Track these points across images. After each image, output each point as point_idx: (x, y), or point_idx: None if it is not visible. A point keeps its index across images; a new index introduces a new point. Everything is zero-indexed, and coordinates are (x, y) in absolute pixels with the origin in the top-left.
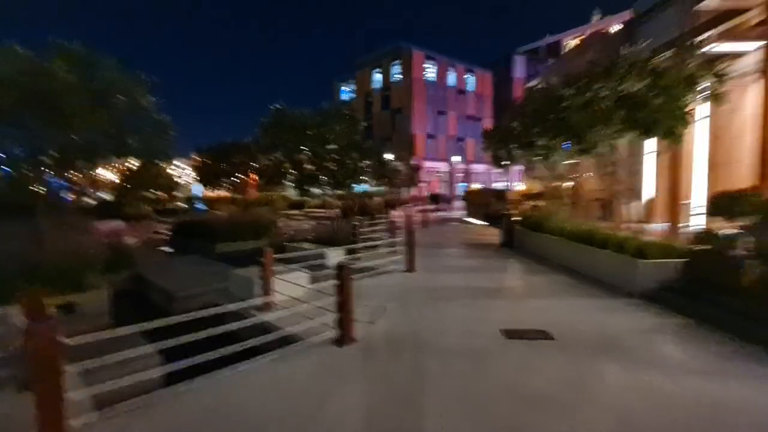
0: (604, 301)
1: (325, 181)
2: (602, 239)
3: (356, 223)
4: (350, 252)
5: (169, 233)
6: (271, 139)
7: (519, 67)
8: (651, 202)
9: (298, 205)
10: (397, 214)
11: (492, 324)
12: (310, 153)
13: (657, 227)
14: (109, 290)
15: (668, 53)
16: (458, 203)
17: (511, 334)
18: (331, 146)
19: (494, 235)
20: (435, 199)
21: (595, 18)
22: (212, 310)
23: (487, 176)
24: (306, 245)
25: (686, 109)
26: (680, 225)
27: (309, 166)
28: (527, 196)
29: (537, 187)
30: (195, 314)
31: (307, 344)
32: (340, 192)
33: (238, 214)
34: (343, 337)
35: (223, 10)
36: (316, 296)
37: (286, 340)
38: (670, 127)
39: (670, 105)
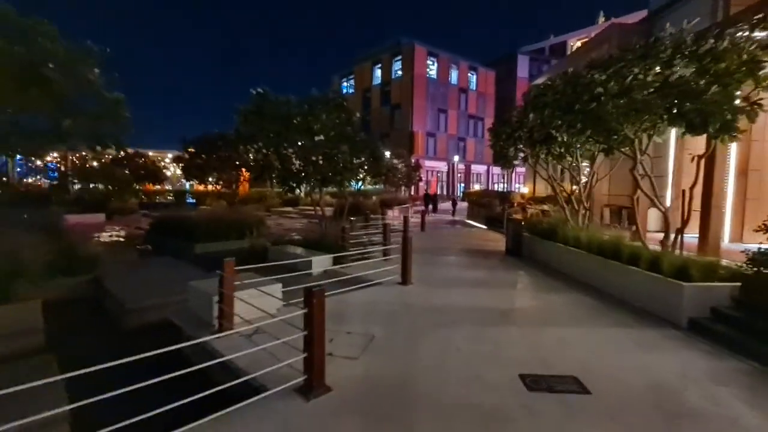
0: (641, 333)
1: (312, 179)
2: (631, 254)
3: (346, 225)
4: (339, 259)
5: (148, 230)
6: (251, 129)
7: (522, 67)
8: (674, 210)
9: (292, 202)
10: (393, 215)
11: (507, 365)
12: (294, 146)
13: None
14: (61, 298)
15: (716, 36)
16: (459, 205)
17: (534, 383)
18: (318, 138)
19: (498, 241)
20: (430, 200)
21: (601, 20)
22: (139, 357)
23: (487, 177)
24: (291, 248)
25: (753, 100)
26: (711, 238)
27: (296, 162)
28: (532, 199)
29: (543, 190)
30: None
31: (266, 397)
32: (333, 190)
33: (224, 211)
34: (311, 385)
35: (224, 9)
36: (288, 321)
37: (239, 390)
38: (727, 121)
39: (727, 94)
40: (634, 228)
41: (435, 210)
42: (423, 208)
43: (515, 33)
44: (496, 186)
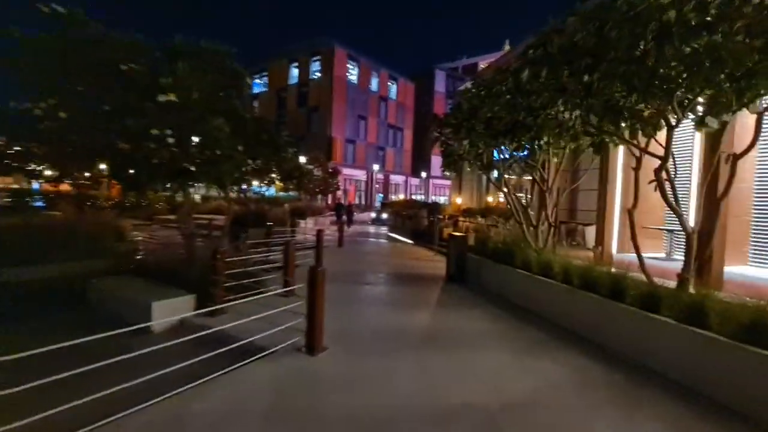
0: None
1: (168, 171)
2: (646, 294)
3: (240, 242)
4: (205, 300)
5: None
6: (39, 82)
7: (440, 82)
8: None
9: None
10: (307, 227)
11: None
12: (130, 113)
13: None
14: None
15: None
16: (381, 216)
17: None
18: (166, 98)
19: (430, 260)
20: (344, 210)
21: (507, 48)
22: None
23: (405, 188)
24: (127, 284)
25: None
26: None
27: (123, 144)
28: (466, 211)
29: (469, 200)
30: None
31: None
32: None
33: (67, 220)
34: None
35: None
36: None
37: None
38: None
39: None
40: (600, 249)
41: (350, 223)
42: (340, 219)
43: (429, 51)
44: (413, 198)
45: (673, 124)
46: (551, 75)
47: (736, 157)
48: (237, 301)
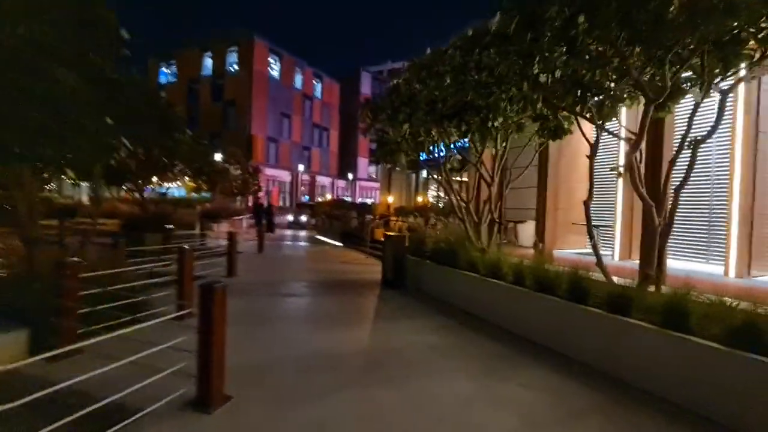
0: None
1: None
2: (617, 295)
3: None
4: (48, 336)
5: None
6: None
7: (366, 84)
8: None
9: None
10: (221, 232)
11: None
12: None
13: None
14: None
15: None
16: (300, 219)
17: None
18: None
19: (362, 263)
20: (263, 213)
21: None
22: None
23: (332, 190)
24: None
25: None
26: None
27: None
28: (400, 210)
29: (407, 199)
30: None
31: None
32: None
33: None
34: None
35: None
36: None
37: None
38: None
39: None
40: (541, 245)
41: (271, 228)
42: (260, 223)
43: (355, 54)
44: (342, 198)
45: (669, 86)
46: (516, 40)
47: (698, 143)
48: (100, 337)
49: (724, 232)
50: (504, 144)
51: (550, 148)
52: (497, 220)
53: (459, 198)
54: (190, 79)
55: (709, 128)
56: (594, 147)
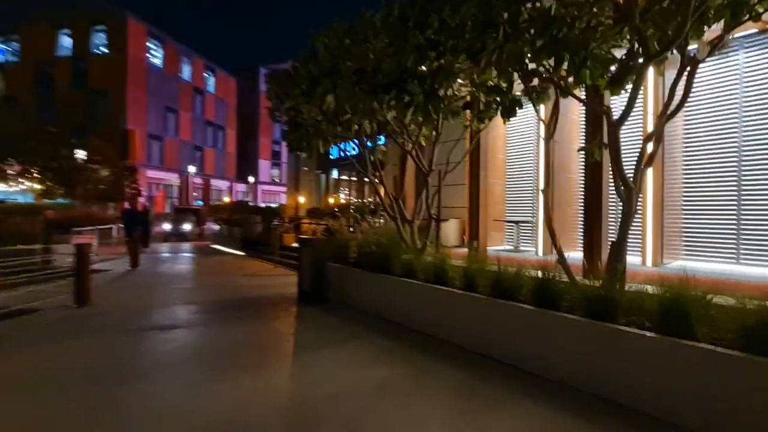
0: None
1: None
2: (596, 298)
3: None
4: None
5: None
6: None
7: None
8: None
9: None
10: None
11: None
12: None
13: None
14: None
15: None
16: (182, 228)
17: None
18: None
19: (270, 274)
20: (134, 220)
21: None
22: None
23: (231, 196)
24: None
25: None
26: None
27: None
28: (314, 212)
29: (317, 200)
30: None
31: None
32: None
33: None
34: None
35: None
36: None
37: None
38: None
39: None
40: (475, 244)
41: (145, 241)
42: (136, 233)
43: (252, 49)
44: (244, 201)
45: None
46: None
47: (665, 117)
48: None
49: (640, 224)
50: (440, 128)
51: (481, 139)
52: (435, 217)
53: (389, 194)
54: (39, 61)
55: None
56: (551, 128)
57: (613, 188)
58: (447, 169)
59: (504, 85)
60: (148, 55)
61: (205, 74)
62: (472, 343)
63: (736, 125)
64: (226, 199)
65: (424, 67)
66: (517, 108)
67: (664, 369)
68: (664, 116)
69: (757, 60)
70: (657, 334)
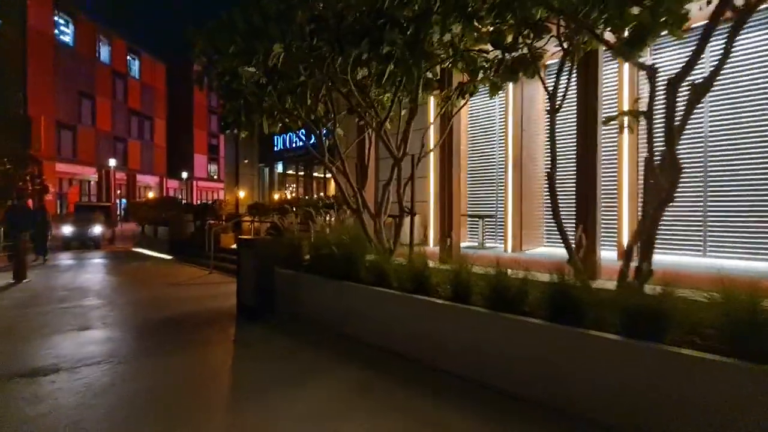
0: None
1: None
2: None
3: None
4: None
5: None
6: None
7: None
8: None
9: None
10: None
11: None
12: None
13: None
14: None
15: None
16: (90, 231)
17: None
18: None
19: (203, 282)
20: (26, 218)
21: None
22: None
23: (160, 193)
24: None
25: None
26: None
27: None
28: (257, 208)
29: (261, 195)
30: None
31: None
32: None
33: None
34: None
35: None
36: None
37: None
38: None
39: None
40: (449, 241)
41: (41, 248)
42: (17, 235)
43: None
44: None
45: None
46: None
47: (698, 92)
48: None
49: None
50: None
51: (454, 124)
52: (408, 210)
53: (352, 184)
54: None
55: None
56: (554, 99)
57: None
58: (421, 155)
59: (508, 40)
60: (56, 31)
61: (128, 57)
62: (475, 370)
63: (702, 117)
64: (151, 195)
65: (407, 12)
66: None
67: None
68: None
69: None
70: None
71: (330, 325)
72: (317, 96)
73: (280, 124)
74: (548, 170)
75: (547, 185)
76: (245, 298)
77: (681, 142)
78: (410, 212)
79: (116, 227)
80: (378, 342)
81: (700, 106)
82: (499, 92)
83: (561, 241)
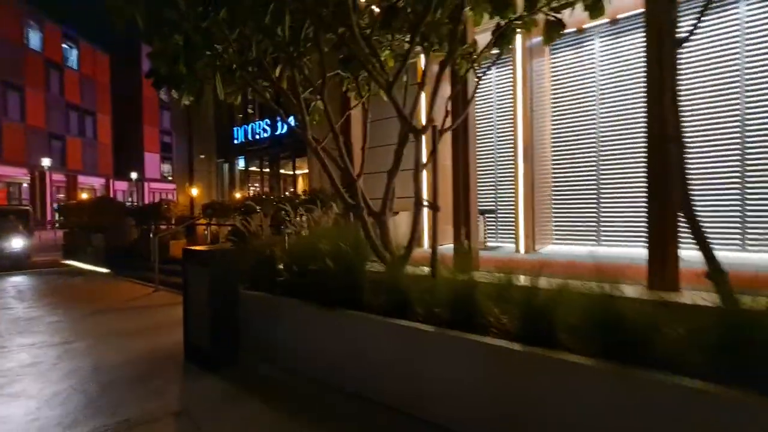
0: None
1: None
2: None
3: None
4: None
5: None
6: None
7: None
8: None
9: None
10: None
11: None
12: None
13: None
14: None
15: None
16: (5, 244)
17: None
18: None
19: (144, 305)
20: None
21: None
22: None
23: (108, 194)
24: None
25: None
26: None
27: None
28: (215, 208)
29: (220, 194)
30: None
31: None
32: None
33: None
34: None
35: None
36: None
37: None
38: None
39: None
40: (467, 243)
41: None
42: None
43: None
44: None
45: None
46: None
47: None
48: None
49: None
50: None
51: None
52: (429, 203)
53: (351, 172)
54: None
55: None
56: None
57: None
58: (448, 125)
59: None
60: None
61: (64, 45)
62: None
63: (594, 114)
64: (85, 196)
65: None
66: None
67: None
68: None
69: (612, 47)
70: None
71: (328, 376)
72: (297, 36)
73: (242, 93)
74: (664, 138)
75: (555, 175)
76: (195, 336)
77: (577, 140)
78: (432, 206)
79: (32, 237)
80: (414, 410)
81: (592, 103)
82: (555, 39)
83: (695, 244)
